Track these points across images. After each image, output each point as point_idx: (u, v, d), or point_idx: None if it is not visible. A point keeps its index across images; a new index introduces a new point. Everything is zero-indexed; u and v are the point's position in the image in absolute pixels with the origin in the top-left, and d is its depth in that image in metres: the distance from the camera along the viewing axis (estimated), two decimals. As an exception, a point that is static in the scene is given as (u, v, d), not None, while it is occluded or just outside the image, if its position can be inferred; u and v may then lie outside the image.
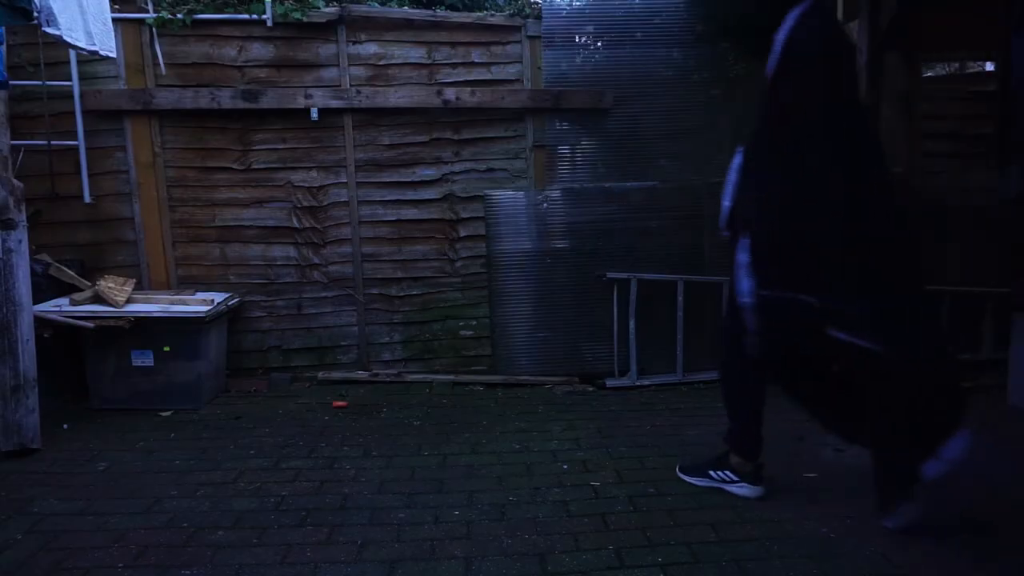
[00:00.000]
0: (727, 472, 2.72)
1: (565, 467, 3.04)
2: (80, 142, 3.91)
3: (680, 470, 2.89)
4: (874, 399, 2.33)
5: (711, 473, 2.76)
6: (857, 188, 2.19)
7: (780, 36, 2.29)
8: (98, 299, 3.71)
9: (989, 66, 4.77)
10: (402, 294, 4.37)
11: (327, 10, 4.06)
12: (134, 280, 3.95)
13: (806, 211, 2.26)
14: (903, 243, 2.28)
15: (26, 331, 3.17)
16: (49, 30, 2.94)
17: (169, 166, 4.14)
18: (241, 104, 4.04)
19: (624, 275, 4.20)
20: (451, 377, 4.30)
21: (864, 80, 3.26)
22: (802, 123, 2.26)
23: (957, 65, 5.20)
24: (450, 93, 4.15)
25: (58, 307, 3.61)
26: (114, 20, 3.59)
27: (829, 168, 2.21)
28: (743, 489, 2.68)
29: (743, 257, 2.35)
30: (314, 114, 4.09)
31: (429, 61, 4.22)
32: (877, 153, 2.27)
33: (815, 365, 2.40)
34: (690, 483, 2.81)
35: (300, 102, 4.07)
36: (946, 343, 2.30)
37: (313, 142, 4.20)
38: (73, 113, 3.88)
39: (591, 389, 4.21)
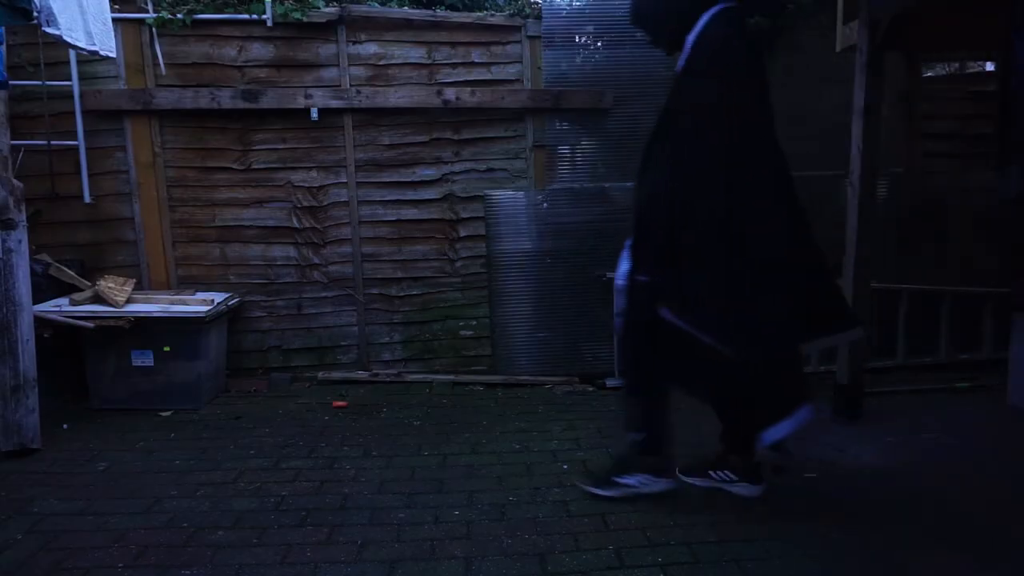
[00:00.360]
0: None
1: (565, 467, 3.04)
2: (80, 142, 3.91)
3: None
4: (710, 374, 2.46)
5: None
6: (738, 183, 2.31)
7: (690, 37, 2.40)
8: (98, 299, 3.71)
9: (989, 66, 4.78)
10: (402, 294, 4.37)
11: (327, 10, 4.06)
12: (134, 280, 3.95)
13: (673, 201, 2.38)
14: (769, 233, 2.34)
15: (26, 331, 3.17)
16: (49, 30, 2.94)
17: (169, 166, 4.14)
18: (241, 104, 4.04)
19: (624, 275, 4.19)
20: (451, 377, 4.30)
21: (864, 80, 3.26)
22: (693, 119, 2.39)
23: (957, 65, 5.20)
24: (450, 93, 4.15)
25: (58, 307, 3.61)
26: (114, 20, 3.59)
27: (705, 163, 2.35)
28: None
29: (627, 242, 2.50)
30: (314, 114, 4.09)
31: (429, 61, 4.22)
32: (768, 155, 2.38)
33: (671, 344, 2.45)
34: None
35: (300, 102, 4.07)
36: (783, 330, 2.35)
37: (313, 142, 4.20)
38: (73, 113, 3.88)
39: (591, 389, 4.21)
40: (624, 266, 2.53)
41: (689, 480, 2.75)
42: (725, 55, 2.37)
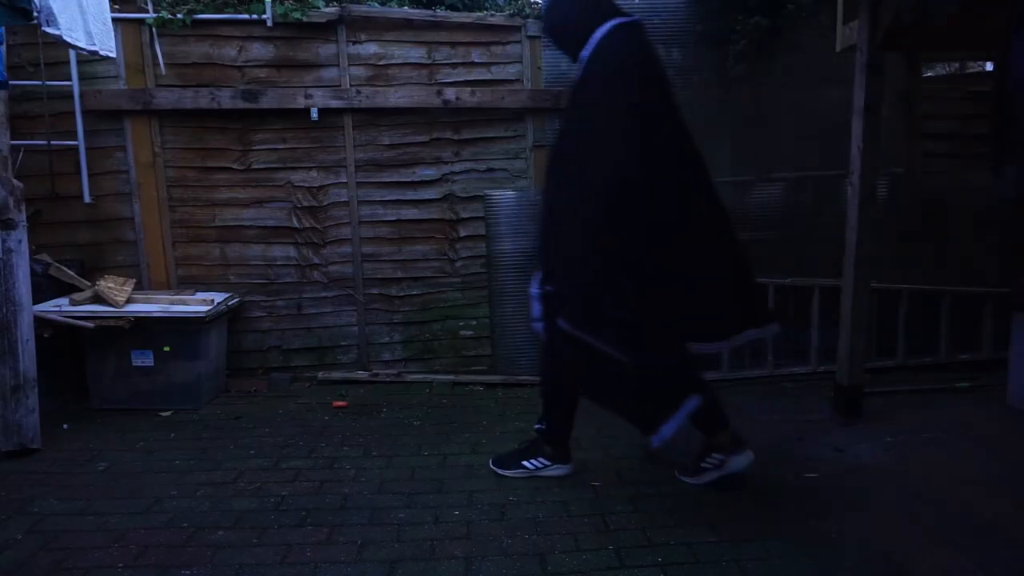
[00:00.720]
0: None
1: (565, 467, 3.04)
2: (80, 142, 3.91)
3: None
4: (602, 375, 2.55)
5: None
6: (624, 195, 2.38)
7: (584, 53, 2.46)
8: (98, 299, 3.71)
9: (989, 66, 4.78)
10: (402, 294, 4.37)
11: (327, 10, 4.06)
12: (134, 280, 3.96)
13: (562, 212, 2.50)
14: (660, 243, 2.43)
15: (26, 331, 3.17)
16: (49, 30, 2.94)
17: (169, 166, 4.15)
18: (241, 104, 4.04)
19: (624, 275, 4.19)
20: (451, 377, 4.30)
21: (864, 80, 3.26)
22: (583, 133, 2.48)
23: (957, 65, 5.20)
24: (450, 93, 4.15)
25: (58, 307, 3.61)
26: (114, 20, 3.59)
27: (591, 176, 2.41)
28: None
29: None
30: (314, 114, 4.09)
31: (429, 61, 4.22)
32: (664, 164, 2.43)
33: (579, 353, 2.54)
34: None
35: (300, 102, 4.07)
36: (672, 335, 2.47)
37: (313, 142, 4.20)
38: (73, 113, 3.88)
39: (591, 389, 4.20)
40: (536, 276, 2.68)
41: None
42: (614, 72, 2.43)
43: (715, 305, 2.58)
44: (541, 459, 2.89)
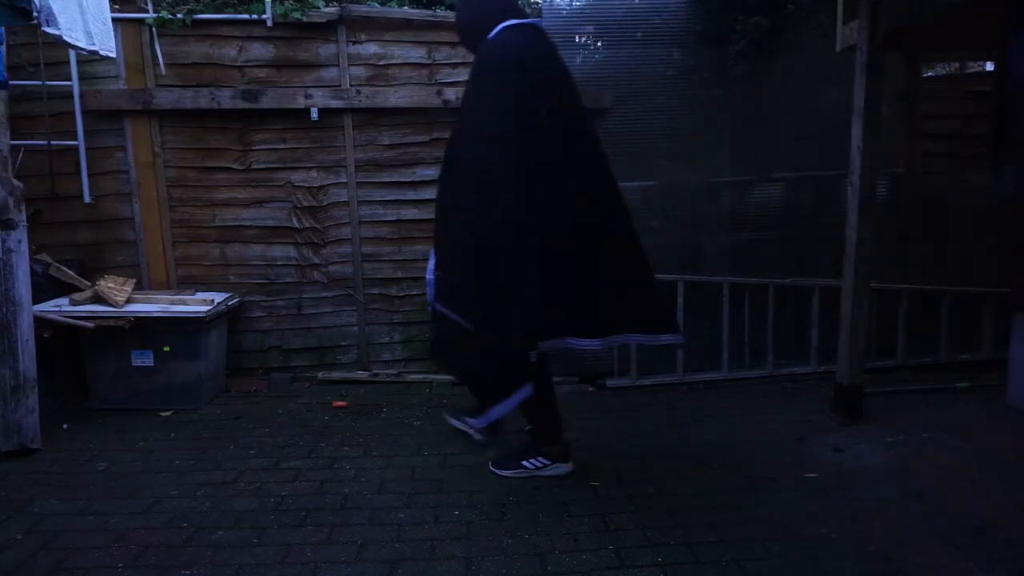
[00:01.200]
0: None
1: (565, 467, 3.04)
2: (80, 142, 3.91)
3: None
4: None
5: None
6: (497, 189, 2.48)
7: (480, 54, 2.60)
8: (98, 299, 3.71)
9: (989, 66, 4.78)
10: (402, 294, 4.37)
11: (327, 10, 4.06)
12: (134, 280, 3.96)
13: (448, 209, 2.69)
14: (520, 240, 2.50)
15: (26, 331, 3.17)
16: (49, 30, 2.94)
17: (169, 166, 4.15)
18: (241, 104, 4.04)
19: (624, 275, 4.19)
20: (451, 377, 4.30)
21: (864, 80, 3.25)
22: (465, 128, 2.62)
23: (957, 65, 5.20)
24: (450, 93, 4.15)
25: (58, 307, 3.61)
26: (114, 20, 3.59)
27: (468, 168, 2.55)
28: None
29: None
30: (314, 114, 4.09)
31: (429, 61, 4.22)
32: (545, 161, 2.50)
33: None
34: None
35: (300, 102, 4.07)
36: (511, 321, 2.53)
37: (313, 142, 4.20)
38: (73, 113, 3.88)
39: (591, 389, 4.21)
40: (431, 261, 2.86)
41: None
42: (491, 73, 2.51)
43: (591, 303, 2.69)
44: (540, 459, 2.90)
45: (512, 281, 2.51)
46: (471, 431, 3.00)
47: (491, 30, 2.55)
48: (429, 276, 2.86)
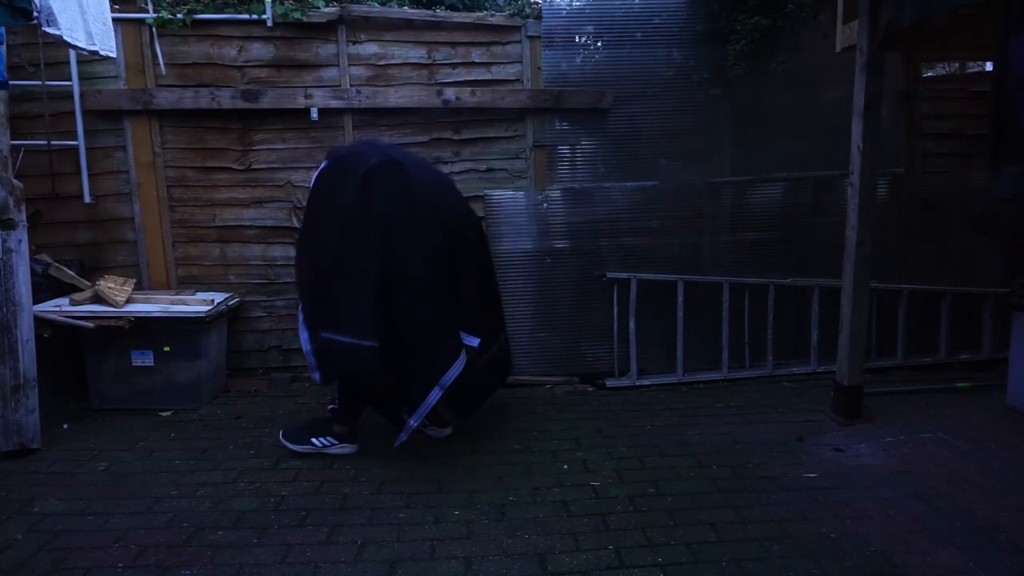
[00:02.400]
0: (330, 438, 3.16)
1: (565, 467, 3.04)
2: (80, 142, 3.91)
3: (283, 437, 3.21)
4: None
5: (314, 440, 3.16)
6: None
7: (314, 174, 3.18)
8: (98, 299, 3.71)
9: (989, 66, 4.78)
10: (402, 294, 4.36)
11: (327, 10, 4.06)
12: (134, 280, 3.96)
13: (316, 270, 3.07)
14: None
15: (26, 331, 3.17)
16: (49, 30, 2.94)
17: (169, 166, 4.15)
18: (241, 104, 4.04)
19: (624, 275, 4.20)
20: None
21: (864, 80, 3.25)
22: (312, 226, 3.14)
23: (957, 65, 5.20)
24: (450, 93, 4.15)
25: (58, 307, 3.61)
26: (114, 20, 3.59)
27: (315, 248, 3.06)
28: (345, 449, 3.16)
29: (300, 315, 3.13)
30: (314, 114, 4.09)
31: (429, 61, 4.22)
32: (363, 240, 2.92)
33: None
34: (293, 449, 3.16)
35: (300, 102, 4.07)
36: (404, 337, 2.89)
37: (313, 142, 4.20)
38: (73, 113, 3.89)
39: (591, 389, 4.21)
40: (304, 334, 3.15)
41: (292, 447, 3.18)
42: (328, 189, 3.10)
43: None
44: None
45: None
46: (404, 435, 3.01)
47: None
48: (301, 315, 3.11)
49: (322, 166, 3.18)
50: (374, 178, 2.95)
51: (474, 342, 3.11)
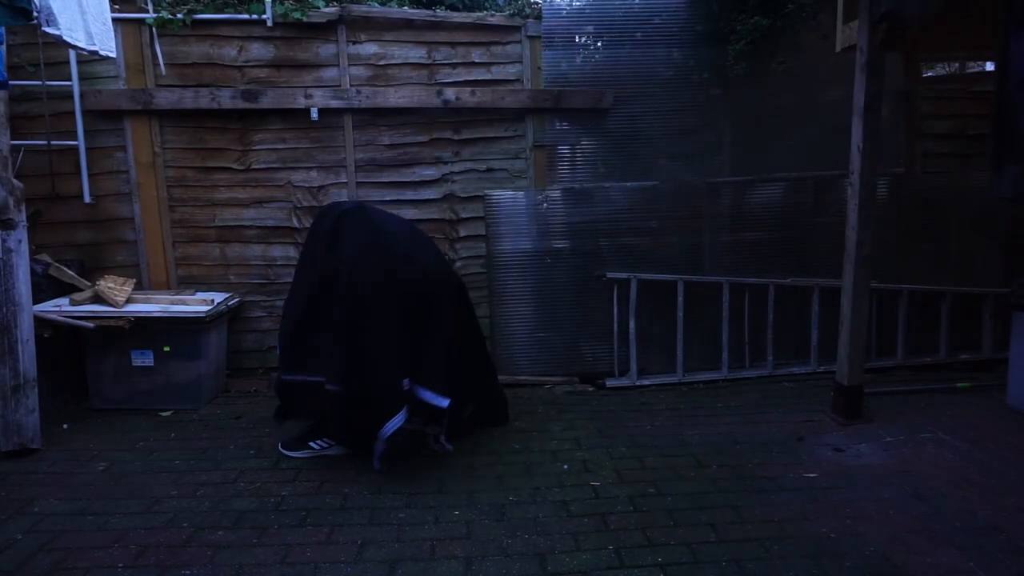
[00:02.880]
0: (327, 439, 3.21)
1: (565, 467, 3.04)
2: (80, 142, 3.91)
3: (282, 447, 3.24)
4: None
5: (311, 444, 3.21)
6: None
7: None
8: (98, 299, 3.71)
9: (989, 66, 4.78)
10: (402, 294, 4.36)
11: (327, 10, 4.06)
12: (134, 280, 3.96)
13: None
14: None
15: (26, 331, 3.17)
16: (49, 30, 2.94)
17: (169, 166, 4.15)
18: (241, 104, 4.04)
19: (624, 275, 4.20)
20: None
21: (864, 80, 3.25)
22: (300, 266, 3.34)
23: (957, 65, 5.20)
24: (450, 93, 4.15)
25: (58, 307, 3.61)
26: (114, 20, 3.59)
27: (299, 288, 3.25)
28: (342, 450, 3.19)
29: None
30: (314, 114, 4.09)
31: (429, 61, 4.22)
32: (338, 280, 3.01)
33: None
34: (293, 457, 3.18)
35: (300, 102, 4.07)
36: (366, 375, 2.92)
37: (313, 142, 4.20)
38: (73, 113, 3.89)
39: (591, 389, 4.21)
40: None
41: (292, 455, 3.20)
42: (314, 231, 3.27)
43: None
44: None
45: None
46: (377, 448, 3.02)
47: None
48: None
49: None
50: (343, 222, 3.13)
51: (442, 402, 3.01)
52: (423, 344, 3.02)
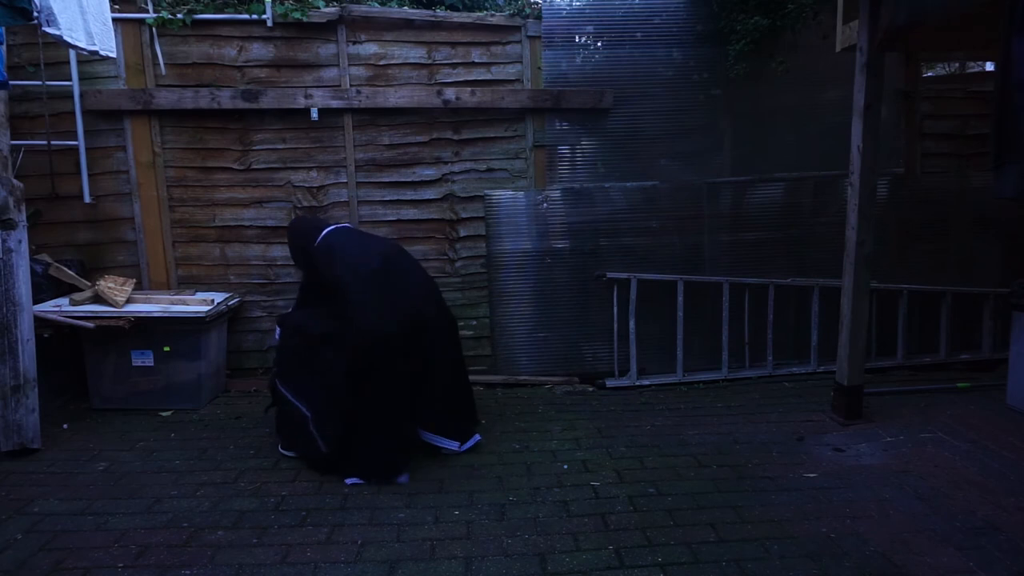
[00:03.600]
0: None
1: (565, 467, 3.04)
2: (80, 142, 3.91)
3: (281, 448, 3.23)
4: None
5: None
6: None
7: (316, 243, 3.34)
8: (98, 299, 3.71)
9: (989, 66, 4.78)
10: (402, 294, 4.36)
11: (327, 10, 4.06)
12: (134, 280, 3.95)
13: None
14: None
15: (26, 331, 3.17)
16: (49, 30, 2.94)
17: (169, 166, 4.15)
18: (241, 104, 4.04)
19: (624, 275, 4.20)
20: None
21: (864, 80, 3.26)
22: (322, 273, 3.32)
23: (957, 65, 5.20)
24: (450, 93, 4.15)
25: (58, 307, 3.61)
26: (114, 20, 3.59)
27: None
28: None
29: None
30: (314, 114, 4.09)
31: (429, 61, 4.22)
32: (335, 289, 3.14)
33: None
34: (294, 457, 3.17)
35: (300, 102, 4.07)
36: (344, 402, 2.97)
37: (313, 142, 4.20)
38: (73, 113, 3.88)
39: (591, 389, 4.21)
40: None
41: (290, 454, 3.20)
42: (327, 252, 3.26)
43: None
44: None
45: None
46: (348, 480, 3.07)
47: (317, 237, 3.29)
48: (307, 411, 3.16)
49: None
50: (332, 239, 3.27)
51: (451, 445, 3.17)
52: (424, 390, 3.13)
